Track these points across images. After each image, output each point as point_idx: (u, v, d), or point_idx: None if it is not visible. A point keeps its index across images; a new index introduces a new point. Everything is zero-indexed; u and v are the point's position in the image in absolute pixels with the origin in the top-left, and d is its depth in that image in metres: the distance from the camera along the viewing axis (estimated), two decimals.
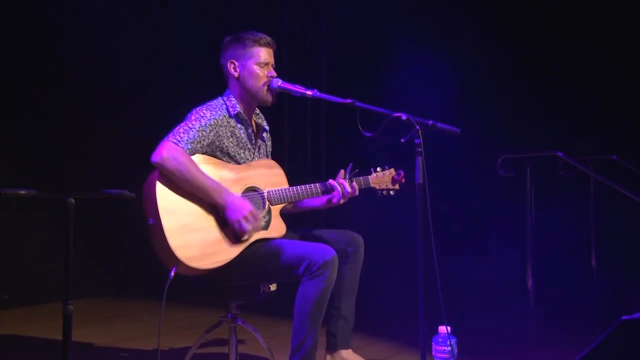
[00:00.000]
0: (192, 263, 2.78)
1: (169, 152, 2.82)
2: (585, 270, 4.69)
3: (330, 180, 3.12)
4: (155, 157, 2.82)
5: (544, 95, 5.37)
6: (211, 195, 2.84)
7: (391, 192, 3.26)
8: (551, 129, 5.21)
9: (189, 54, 5.85)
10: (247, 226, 2.85)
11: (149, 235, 2.83)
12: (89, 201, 2.52)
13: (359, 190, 3.17)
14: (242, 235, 2.88)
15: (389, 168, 3.26)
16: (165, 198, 2.80)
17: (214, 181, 2.86)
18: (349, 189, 3.10)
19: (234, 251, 2.88)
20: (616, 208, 4.66)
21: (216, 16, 5.92)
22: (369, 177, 3.23)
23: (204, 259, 2.81)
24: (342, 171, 3.15)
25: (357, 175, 3.18)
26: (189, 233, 2.80)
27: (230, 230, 2.87)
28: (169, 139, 2.87)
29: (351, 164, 3.17)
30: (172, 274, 2.77)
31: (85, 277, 5.57)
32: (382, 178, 3.24)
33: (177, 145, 2.85)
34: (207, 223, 2.85)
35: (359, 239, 3.15)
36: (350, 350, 3.13)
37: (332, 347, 3.13)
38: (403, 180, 3.24)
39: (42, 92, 5.47)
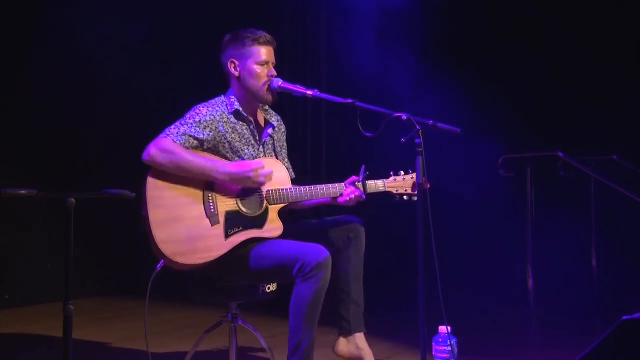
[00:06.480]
0: (176, 258, 2.76)
1: (156, 146, 2.81)
2: (585, 270, 4.69)
3: (346, 182, 3.02)
4: (145, 155, 2.82)
5: (544, 95, 5.38)
6: (210, 175, 2.83)
7: (413, 198, 3.02)
8: (551, 129, 5.21)
9: (189, 53, 5.84)
10: (260, 182, 2.89)
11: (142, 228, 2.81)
12: (89, 201, 2.51)
13: (374, 194, 3.05)
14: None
15: (412, 172, 3.03)
16: (155, 191, 2.78)
17: (207, 159, 2.84)
18: (357, 194, 2.99)
19: (222, 248, 2.84)
20: (616, 208, 4.66)
21: (216, 16, 5.92)
22: (385, 180, 3.05)
23: (190, 254, 2.78)
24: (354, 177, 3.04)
25: (370, 178, 3.03)
26: (176, 228, 2.77)
27: (222, 225, 2.84)
28: (159, 135, 2.86)
29: (364, 166, 3.03)
30: (159, 267, 2.76)
31: (86, 276, 5.58)
32: (401, 183, 3.05)
33: (166, 137, 2.84)
34: (196, 219, 2.82)
35: (359, 224, 3.07)
36: (363, 335, 3.08)
37: (346, 332, 3.06)
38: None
39: (42, 92, 5.46)
